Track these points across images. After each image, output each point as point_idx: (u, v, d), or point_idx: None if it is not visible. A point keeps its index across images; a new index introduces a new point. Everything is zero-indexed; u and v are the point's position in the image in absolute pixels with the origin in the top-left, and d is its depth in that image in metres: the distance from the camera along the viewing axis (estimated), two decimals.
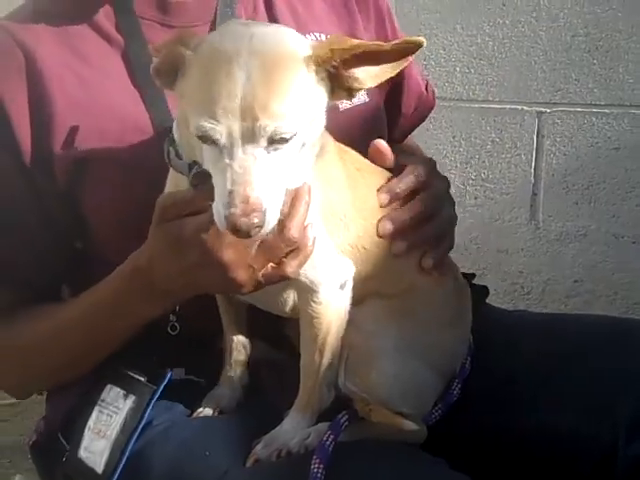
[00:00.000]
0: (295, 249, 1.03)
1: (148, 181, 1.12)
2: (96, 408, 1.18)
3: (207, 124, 0.91)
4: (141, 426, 1.15)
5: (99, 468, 1.13)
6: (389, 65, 1.01)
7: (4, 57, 1.23)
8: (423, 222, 1.20)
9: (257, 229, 0.91)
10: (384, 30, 1.50)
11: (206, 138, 0.93)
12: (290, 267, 1.04)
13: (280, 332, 1.27)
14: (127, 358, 1.21)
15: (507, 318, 1.46)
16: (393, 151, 1.23)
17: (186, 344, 1.23)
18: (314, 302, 1.10)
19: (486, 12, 2.56)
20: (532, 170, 2.62)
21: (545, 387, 1.26)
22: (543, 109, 2.57)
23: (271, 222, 0.94)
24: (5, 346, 1.29)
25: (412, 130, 1.59)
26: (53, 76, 1.21)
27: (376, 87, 1.42)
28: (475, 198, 2.68)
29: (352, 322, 1.14)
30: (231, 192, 0.90)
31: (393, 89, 1.50)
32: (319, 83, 0.99)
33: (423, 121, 1.63)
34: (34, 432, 1.34)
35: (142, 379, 1.19)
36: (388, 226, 1.16)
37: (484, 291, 1.50)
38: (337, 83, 1.01)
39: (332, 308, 1.11)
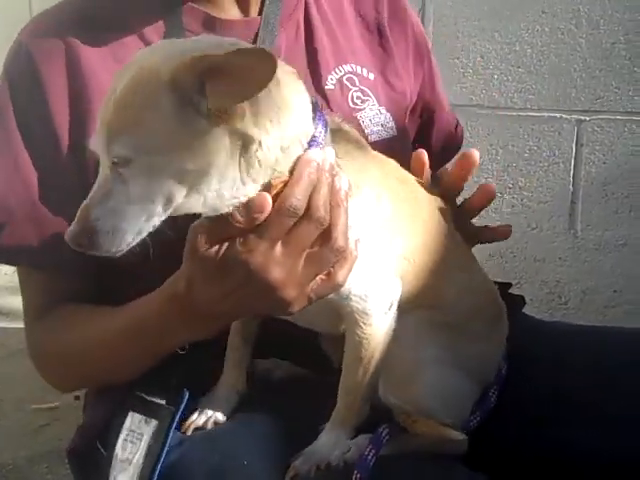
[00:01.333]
0: (341, 257, 1.01)
1: None
2: (121, 437, 1.18)
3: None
4: (166, 449, 1.15)
5: None
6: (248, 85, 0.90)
7: (49, 51, 1.25)
8: None
9: (90, 249, 0.94)
10: (421, 70, 1.51)
11: None
12: (340, 277, 1.02)
13: (303, 348, 1.26)
14: (143, 383, 1.22)
15: (545, 328, 1.44)
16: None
17: (195, 365, 1.22)
18: (364, 324, 1.09)
19: (525, 20, 2.54)
20: (571, 178, 2.59)
21: (592, 404, 1.23)
22: (582, 117, 2.55)
23: (104, 244, 0.94)
24: (54, 341, 1.30)
25: (438, 168, 1.57)
26: (93, 77, 1.23)
27: (405, 122, 1.44)
28: (512, 206, 2.66)
29: (393, 336, 1.13)
30: (81, 208, 0.94)
31: (422, 126, 1.51)
32: (184, 106, 0.91)
33: (449, 161, 1.61)
34: (72, 439, 1.35)
35: (162, 402, 1.18)
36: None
37: (520, 300, 1.48)
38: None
39: (381, 331, 1.10)
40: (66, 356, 1.29)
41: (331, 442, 1.11)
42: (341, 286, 1.03)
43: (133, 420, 1.18)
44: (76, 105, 1.23)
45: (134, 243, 0.95)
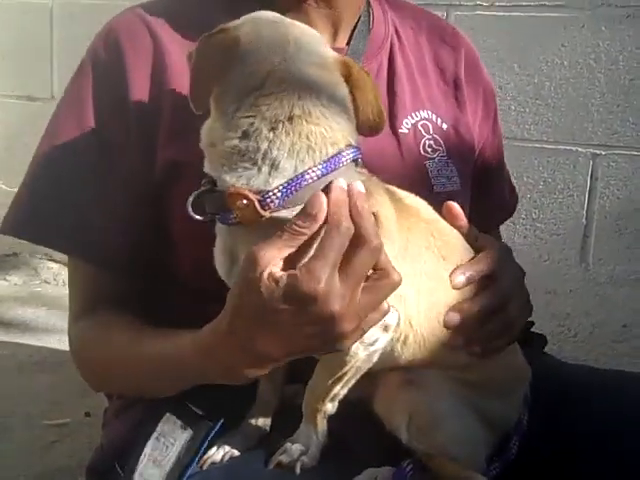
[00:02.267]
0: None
1: None
2: (153, 435, 1.17)
3: None
4: (196, 460, 1.14)
5: None
6: None
7: (137, 41, 1.26)
8: (489, 315, 1.14)
9: None
10: (487, 129, 1.50)
11: None
12: (386, 304, 0.99)
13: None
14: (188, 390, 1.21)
15: (565, 370, 1.43)
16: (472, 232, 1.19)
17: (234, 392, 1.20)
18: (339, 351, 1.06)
19: (544, 52, 2.56)
20: (584, 212, 2.60)
21: (614, 458, 1.22)
22: (598, 151, 2.56)
23: None
24: (89, 347, 1.29)
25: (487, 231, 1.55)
26: (175, 73, 1.24)
27: (469, 178, 1.43)
28: (524, 237, 2.67)
29: (416, 380, 1.13)
30: None
31: (478, 184, 1.47)
32: None
33: (499, 226, 1.62)
34: (91, 457, 1.35)
35: (201, 413, 1.17)
36: (455, 318, 1.10)
37: (542, 340, 1.48)
38: None
39: (357, 359, 1.06)
40: (101, 363, 1.28)
41: (306, 434, 1.11)
42: (387, 313, 1.00)
43: (168, 422, 1.16)
44: (155, 101, 1.23)
45: None
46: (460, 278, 1.12)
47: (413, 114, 1.38)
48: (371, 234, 0.94)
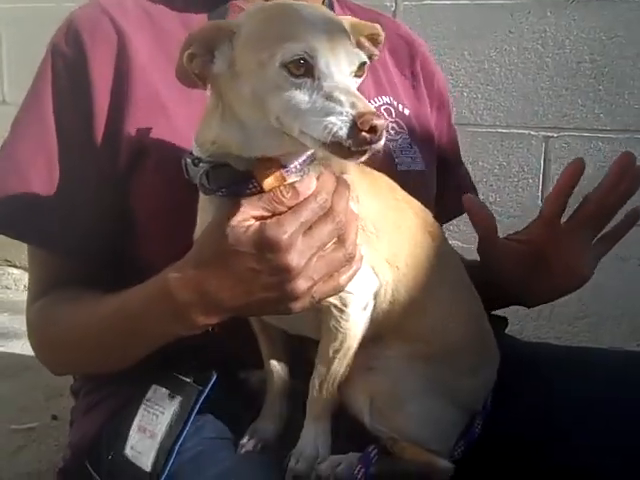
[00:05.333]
0: (348, 264, 1.04)
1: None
2: (142, 407, 1.17)
3: (296, 45, 0.89)
4: (188, 427, 1.15)
5: (146, 467, 1.12)
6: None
7: (100, 35, 1.26)
8: None
9: (382, 133, 0.87)
10: (441, 121, 1.56)
11: (295, 65, 0.89)
12: (343, 281, 1.04)
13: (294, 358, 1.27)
14: (172, 359, 1.21)
15: (529, 350, 1.45)
16: None
17: (220, 356, 1.22)
18: (342, 319, 1.11)
19: (493, 39, 2.60)
20: (539, 194, 2.65)
21: (575, 427, 1.25)
22: (550, 134, 2.61)
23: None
24: (45, 324, 1.29)
25: (446, 220, 1.56)
26: (138, 66, 1.24)
27: (433, 162, 1.48)
28: None
29: (379, 366, 1.15)
30: (353, 103, 0.87)
31: (439, 174, 1.52)
32: None
33: (457, 216, 1.65)
34: (62, 459, 1.34)
35: (188, 380, 1.18)
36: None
37: (503, 322, 1.51)
38: None
39: (359, 325, 1.12)
40: (57, 339, 1.27)
41: (312, 437, 1.13)
42: (342, 290, 1.05)
43: (157, 393, 1.17)
44: (118, 93, 1.23)
45: None
46: None
47: (376, 99, 1.42)
48: (341, 211, 1.00)
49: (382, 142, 0.88)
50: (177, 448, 1.12)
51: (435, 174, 1.49)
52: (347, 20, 1.02)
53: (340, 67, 0.91)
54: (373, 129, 0.86)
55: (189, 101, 1.19)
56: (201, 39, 0.96)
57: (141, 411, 1.17)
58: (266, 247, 0.98)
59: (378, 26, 1.04)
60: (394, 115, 1.42)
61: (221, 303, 1.04)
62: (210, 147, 1.03)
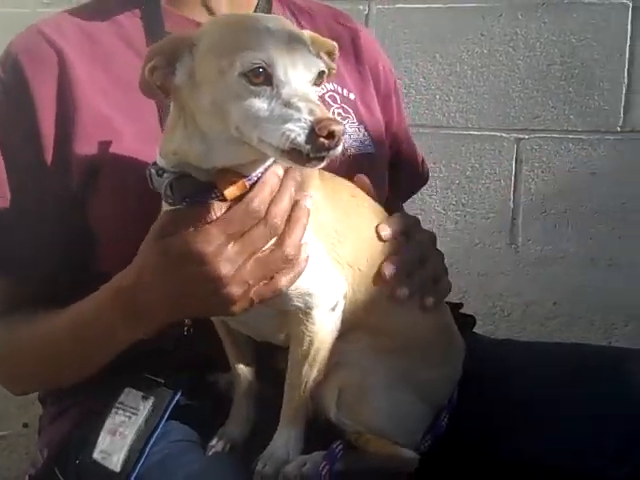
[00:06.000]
0: (288, 266, 1.05)
1: (157, 199, 1.11)
2: (113, 411, 1.19)
3: (255, 53, 0.91)
4: (160, 428, 1.16)
5: (116, 467, 1.14)
6: None
7: (39, 58, 1.26)
8: (418, 266, 1.24)
9: (340, 138, 0.90)
10: (390, 105, 1.58)
11: (254, 74, 0.91)
12: (282, 283, 1.05)
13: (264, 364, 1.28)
14: (145, 361, 1.22)
15: (495, 347, 1.49)
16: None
17: (191, 359, 1.23)
18: (308, 322, 1.12)
19: (464, 42, 2.61)
20: (511, 195, 2.67)
21: (534, 418, 1.29)
22: (521, 136, 2.63)
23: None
24: (1, 343, 1.30)
25: (404, 201, 1.63)
26: (80, 82, 1.24)
27: (383, 144, 1.50)
28: (456, 223, 2.72)
29: (344, 360, 1.16)
30: (311, 109, 0.88)
31: (390, 158, 1.55)
32: None
33: (413, 194, 1.71)
34: (31, 466, 1.34)
35: (161, 381, 1.20)
36: (390, 269, 1.19)
37: (471, 320, 1.53)
38: None
39: (326, 328, 1.13)
40: (14, 356, 1.29)
41: (284, 441, 1.14)
42: (281, 292, 1.07)
43: (130, 395, 1.19)
44: (63, 116, 1.23)
45: None
46: (387, 231, 1.19)
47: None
48: (276, 214, 1.02)
49: (340, 148, 0.89)
50: (148, 450, 1.13)
51: (387, 155, 1.51)
52: (307, 33, 1.03)
53: (298, 75, 0.93)
54: (331, 135, 0.87)
55: (134, 119, 1.20)
56: (162, 52, 0.97)
57: (112, 415, 1.19)
58: (192, 260, 1.00)
59: (335, 44, 1.08)
60: (339, 101, 1.43)
61: (152, 317, 1.08)
62: (172, 158, 1.03)
